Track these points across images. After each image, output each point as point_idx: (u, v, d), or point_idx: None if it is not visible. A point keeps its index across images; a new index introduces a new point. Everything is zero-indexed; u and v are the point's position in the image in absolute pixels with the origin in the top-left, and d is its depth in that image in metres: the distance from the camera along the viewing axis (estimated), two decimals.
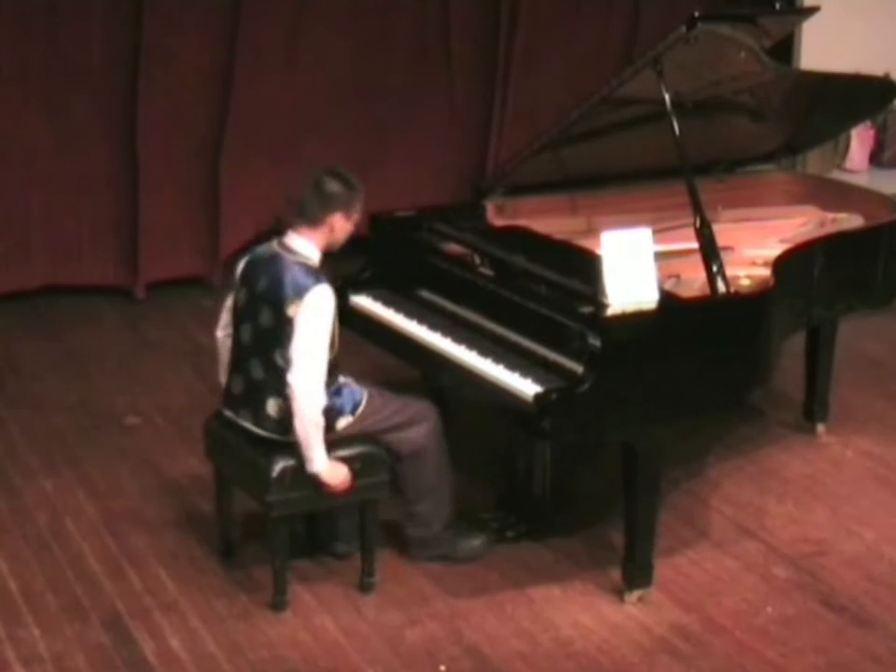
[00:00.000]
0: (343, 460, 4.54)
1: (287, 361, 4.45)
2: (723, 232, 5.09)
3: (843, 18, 7.96)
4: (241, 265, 4.72)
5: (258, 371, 4.57)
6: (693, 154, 4.95)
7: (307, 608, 4.65)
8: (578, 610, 4.67)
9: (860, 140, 8.67)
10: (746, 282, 5.01)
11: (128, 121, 7.54)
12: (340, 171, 4.64)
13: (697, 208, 4.84)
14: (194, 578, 4.82)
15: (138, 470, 5.63)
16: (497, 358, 4.69)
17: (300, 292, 4.44)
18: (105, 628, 4.52)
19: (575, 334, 4.48)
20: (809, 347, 5.97)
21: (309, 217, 4.57)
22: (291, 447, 4.50)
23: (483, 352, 4.76)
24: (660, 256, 4.72)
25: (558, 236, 5.12)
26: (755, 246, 5.39)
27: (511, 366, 4.62)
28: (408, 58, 8.19)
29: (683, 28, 4.78)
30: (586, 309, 4.54)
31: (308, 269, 4.51)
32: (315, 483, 4.50)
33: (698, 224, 4.83)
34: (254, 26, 7.65)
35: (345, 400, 4.59)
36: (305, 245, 4.56)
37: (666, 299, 4.62)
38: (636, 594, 4.72)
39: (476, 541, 4.91)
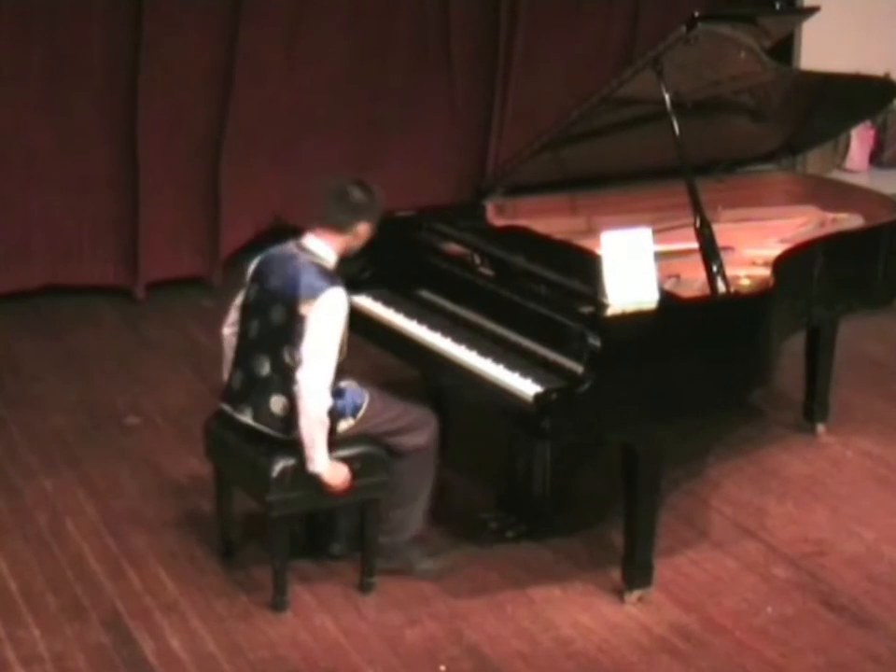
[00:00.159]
0: (343, 460, 4.55)
1: (296, 359, 4.46)
2: (723, 232, 5.09)
3: (843, 18, 7.96)
4: (254, 263, 4.73)
5: (263, 368, 4.57)
6: (692, 154, 4.95)
7: (307, 608, 4.65)
8: (578, 610, 4.67)
9: (860, 140, 8.68)
10: (746, 282, 5.01)
11: (128, 121, 7.54)
12: (363, 181, 4.71)
13: (697, 208, 4.84)
14: (194, 578, 4.82)
15: (138, 470, 5.63)
16: (497, 358, 4.69)
17: (315, 292, 4.45)
18: (105, 628, 4.52)
19: (575, 334, 4.47)
20: (809, 347, 5.97)
21: (335, 223, 4.61)
22: (291, 446, 4.50)
23: (483, 352, 4.76)
24: (660, 256, 4.72)
25: (558, 236, 5.12)
26: (755, 246, 5.39)
27: (511, 366, 4.62)
28: (408, 58, 8.19)
29: (683, 28, 4.79)
30: (586, 309, 4.54)
31: (324, 270, 4.55)
32: (315, 482, 4.50)
33: (698, 224, 4.83)
34: (254, 26, 7.65)
35: (347, 403, 4.59)
36: (323, 248, 4.60)
37: (666, 299, 4.62)
38: (636, 594, 4.72)
39: (436, 563, 4.83)
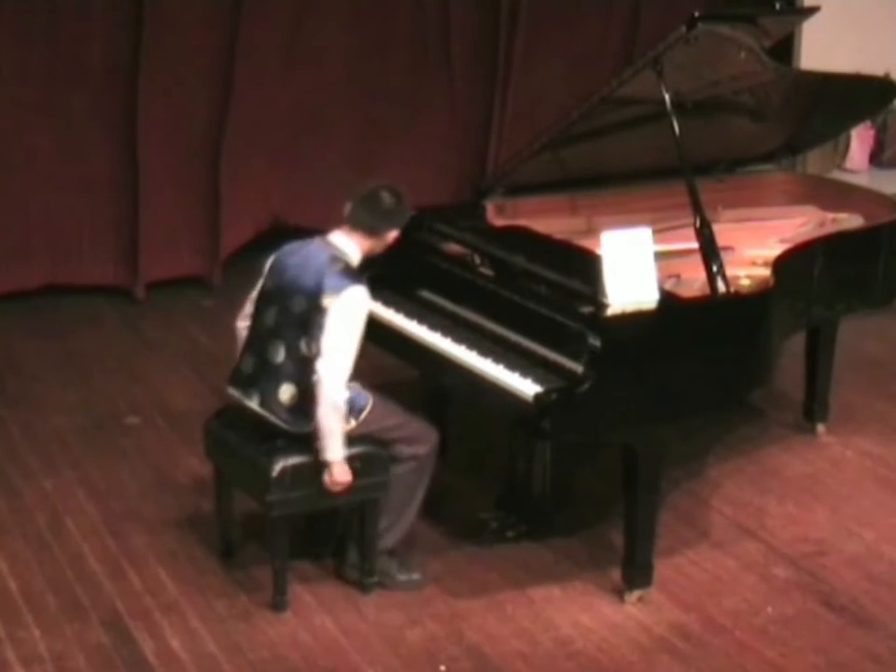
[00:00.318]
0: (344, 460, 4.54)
1: (313, 351, 4.45)
2: (723, 232, 5.09)
3: (843, 18, 7.96)
4: (272, 256, 4.73)
5: (277, 355, 4.56)
6: (692, 154, 4.95)
7: (307, 608, 4.65)
8: (578, 610, 4.67)
9: (860, 140, 8.68)
10: (746, 282, 5.01)
11: (128, 121, 7.54)
12: (394, 186, 4.73)
13: (697, 208, 4.84)
14: (194, 578, 4.82)
15: (138, 470, 5.63)
16: (497, 358, 4.69)
17: (338, 289, 4.45)
18: (105, 628, 4.52)
19: (575, 334, 4.47)
20: (809, 347, 5.97)
21: (367, 227, 4.62)
22: (292, 442, 4.50)
23: (484, 352, 4.75)
24: (660, 256, 4.72)
25: (558, 236, 5.12)
26: (755, 246, 5.39)
27: (511, 366, 4.62)
28: (408, 58, 8.19)
29: (683, 28, 4.79)
30: (586, 309, 4.54)
31: (349, 268, 4.56)
32: (315, 482, 4.49)
33: (698, 224, 4.83)
34: (254, 26, 7.66)
35: (350, 404, 4.58)
36: (350, 246, 4.61)
37: (666, 299, 4.62)
38: (636, 594, 4.72)
39: (414, 576, 4.80)
